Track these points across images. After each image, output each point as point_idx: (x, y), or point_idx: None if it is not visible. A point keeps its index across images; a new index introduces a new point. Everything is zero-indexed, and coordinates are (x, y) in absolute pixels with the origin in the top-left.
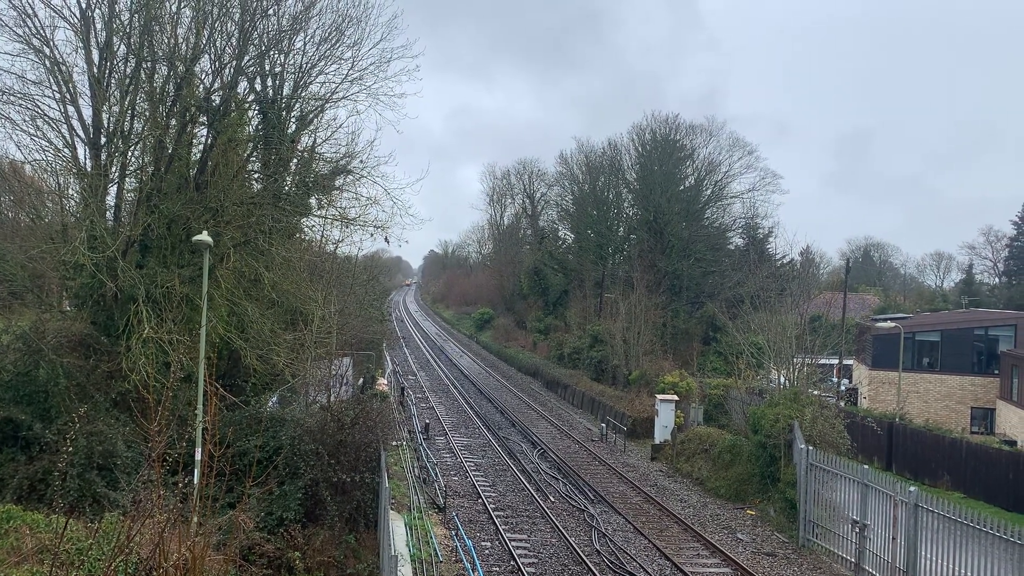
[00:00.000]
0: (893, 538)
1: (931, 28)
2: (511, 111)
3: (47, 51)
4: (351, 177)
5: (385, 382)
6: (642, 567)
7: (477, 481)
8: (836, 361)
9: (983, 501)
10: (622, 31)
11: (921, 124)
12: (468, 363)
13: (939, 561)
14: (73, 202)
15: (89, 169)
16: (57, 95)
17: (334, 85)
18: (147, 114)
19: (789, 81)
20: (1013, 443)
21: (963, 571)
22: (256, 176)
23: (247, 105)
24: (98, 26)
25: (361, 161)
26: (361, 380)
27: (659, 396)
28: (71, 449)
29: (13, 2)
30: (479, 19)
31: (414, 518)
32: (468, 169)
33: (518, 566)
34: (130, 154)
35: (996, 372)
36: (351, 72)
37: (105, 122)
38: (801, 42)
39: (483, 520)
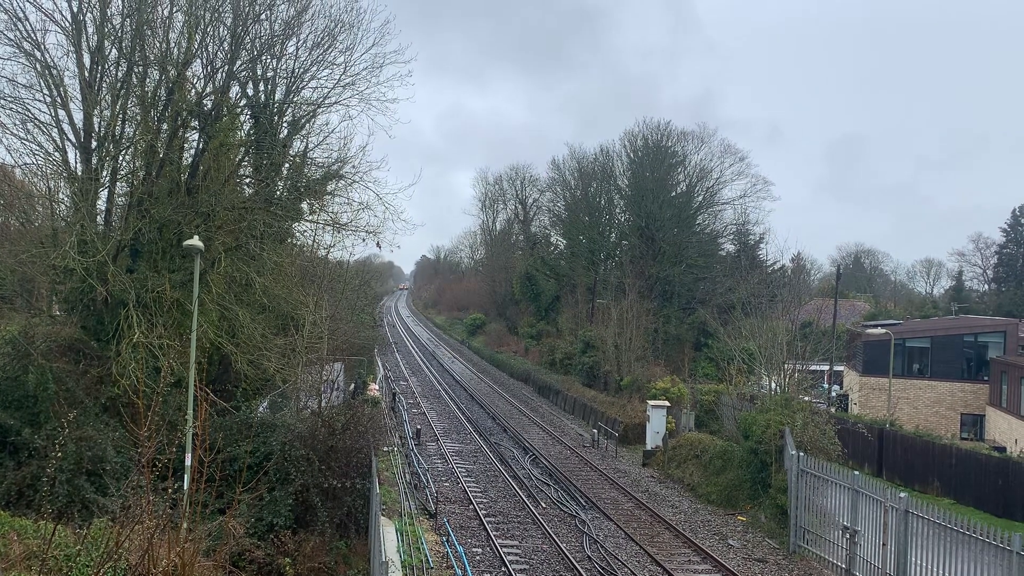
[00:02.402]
0: (883, 544)
1: (924, 35)
2: (504, 115)
3: (38, 55)
4: (343, 182)
5: (376, 387)
6: (633, 573)
7: (468, 487)
8: (827, 367)
9: (973, 507)
10: (618, 34)
11: (913, 131)
12: (460, 368)
13: (929, 567)
14: (63, 206)
15: (80, 173)
16: (48, 99)
17: (326, 90)
18: (138, 118)
19: (784, 86)
20: (1003, 449)
21: None
22: (248, 181)
23: (239, 110)
24: (90, 30)
25: (353, 166)
26: (352, 385)
27: (650, 402)
28: (60, 454)
29: (4, 5)
30: (472, 20)
31: (405, 524)
32: (461, 174)
33: (509, 572)
34: (121, 158)
35: (986, 378)
36: (343, 77)
37: (96, 126)
38: (797, 47)
39: (474, 526)
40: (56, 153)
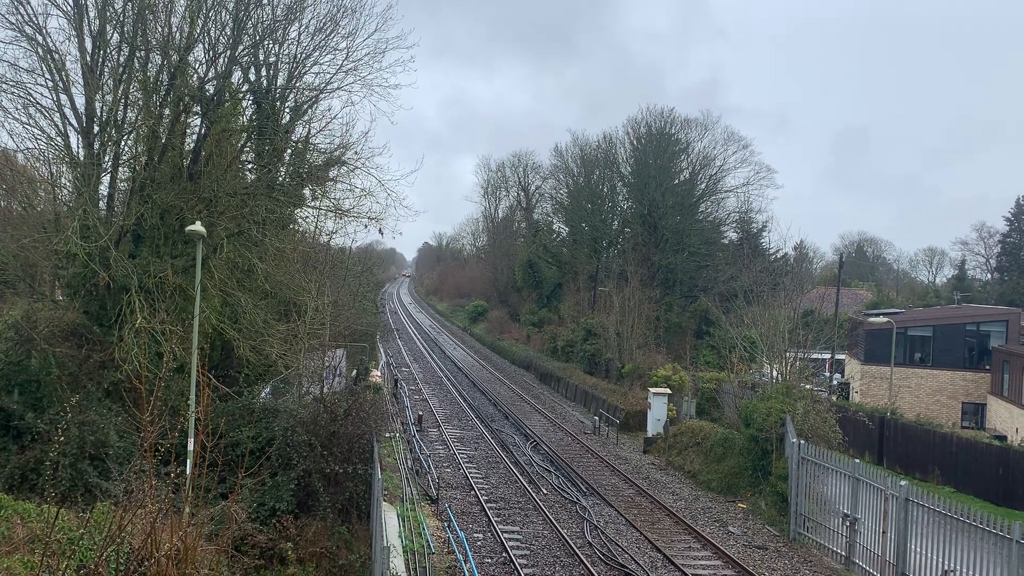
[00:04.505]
0: (883, 532)
1: (934, 25)
2: (507, 101)
3: (40, 39)
4: (345, 168)
5: (379, 374)
6: (634, 559)
7: (470, 473)
8: (828, 355)
9: (973, 495)
10: (625, 18)
11: (921, 121)
12: (461, 355)
13: (929, 555)
14: (66, 191)
15: (82, 158)
16: (50, 83)
17: (328, 75)
18: (140, 103)
19: (792, 74)
20: (1003, 438)
21: (953, 565)
22: (250, 166)
23: (241, 95)
24: (91, 14)
25: (355, 152)
26: (355, 372)
27: (652, 389)
28: (63, 439)
29: None
30: (477, 3)
31: (407, 509)
32: (463, 160)
33: (510, 557)
34: (123, 143)
35: (987, 367)
36: (345, 63)
37: (98, 111)
38: (806, 34)
39: (475, 512)
40: (58, 138)
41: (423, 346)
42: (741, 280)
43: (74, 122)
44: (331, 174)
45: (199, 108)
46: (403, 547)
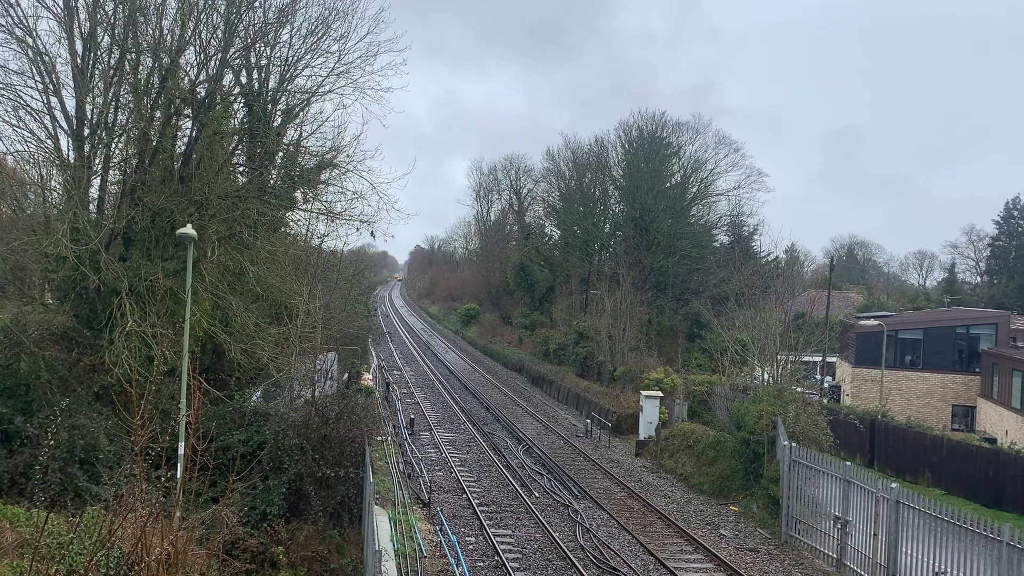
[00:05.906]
0: (874, 534)
1: (928, 24)
2: (500, 103)
3: (30, 41)
4: (337, 171)
5: (370, 377)
6: (626, 562)
7: (462, 476)
8: (819, 358)
9: (963, 498)
10: (620, 19)
11: (914, 120)
12: (454, 358)
13: (920, 557)
14: (56, 194)
15: (72, 161)
16: (40, 86)
17: (320, 78)
18: (131, 106)
19: (786, 74)
20: (993, 440)
21: (943, 567)
22: (241, 169)
23: (232, 98)
24: (82, 16)
25: (347, 155)
26: (346, 375)
27: (644, 392)
28: (52, 443)
29: None
30: (469, 4)
31: (398, 513)
32: (455, 163)
33: (502, 561)
34: (114, 146)
35: (977, 370)
36: (337, 66)
37: (88, 113)
38: (801, 34)
39: (467, 515)
40: (48, 140)
41: (415, 349)
42: (732, 283)
43: (64, 125)
44: (323, 177)
45: (190, 111)
46: (395, 551)
